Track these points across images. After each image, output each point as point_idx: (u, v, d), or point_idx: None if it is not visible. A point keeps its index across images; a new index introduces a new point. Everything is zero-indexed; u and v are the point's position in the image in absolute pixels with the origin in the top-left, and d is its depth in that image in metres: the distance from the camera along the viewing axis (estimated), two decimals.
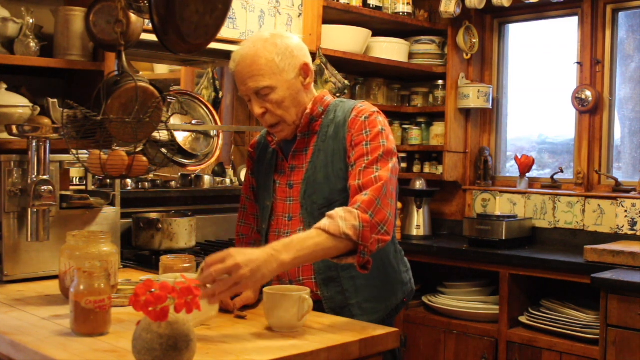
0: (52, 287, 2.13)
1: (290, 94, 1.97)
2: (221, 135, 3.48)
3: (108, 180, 2.75)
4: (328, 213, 1.80)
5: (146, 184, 3.17)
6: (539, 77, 4.19)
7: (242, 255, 1.62)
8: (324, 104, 2.05)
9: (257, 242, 2.20)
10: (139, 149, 2.26)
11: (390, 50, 3.97)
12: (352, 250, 1.78)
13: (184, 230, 2.88)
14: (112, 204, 2.50)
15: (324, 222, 1.76)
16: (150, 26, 2.17)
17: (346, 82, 3.54)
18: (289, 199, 2.04)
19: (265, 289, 1.76)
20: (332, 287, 1.97)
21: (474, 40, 4.13)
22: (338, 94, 3.39)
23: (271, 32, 2.03)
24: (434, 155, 4.28)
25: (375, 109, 2.01)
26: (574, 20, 3.95)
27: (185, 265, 2.01)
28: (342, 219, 1.76)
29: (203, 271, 1.62)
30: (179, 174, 3.35)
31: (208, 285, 1.60)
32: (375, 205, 1.82)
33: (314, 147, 2.02)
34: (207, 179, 3.35)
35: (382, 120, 1.98)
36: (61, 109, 2.19)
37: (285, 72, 1.95)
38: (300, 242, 1.72)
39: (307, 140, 2.04)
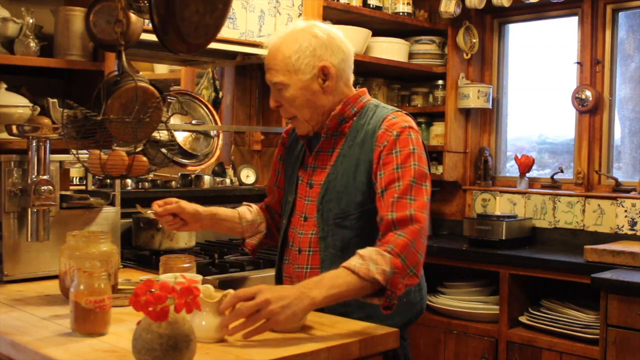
0: (52, 287, 2.13)
1: (302, 94, 1.91)
2: (221, 135, 3.49)
3: (108, 180, 2.75)
4: (360, 252, 1.75)
5: (146, 184, 3.17)
6: (539, 77, 4.19)
7: (273, 292, 1.62)
8: (358, 105, 1.98)
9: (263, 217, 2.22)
10: (139, 149, 2.26)
11: (390, 50, 3.97)
12: (379, 291, 1.75)
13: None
14: (112, 204, 2.50)
15: (355, 263, 1.72)
16: (150, 26, 2.17)
17: None
18: (307, 198, 2.00)
19: None
20: None
21: (474, 40, 4.13)
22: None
23: (307, 23, 1.96)
24: (434, 155, 4.28)
25: (408, 122, 1.91)
26: (574, 20, 3.95)
27: (185, 265, 2.01)
28: (374, 262, 1.72)
29: (230, 306, 1.61)
30: (179, 174, 3.35)
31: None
32: (409, 249, 1.76)
33: (339, 151, 1.96)
34: (207, 179, 3.35)
35: (414, 137, 1.88)
36: (61, 109, 2.19)
37: (300, 72, 1.90)
38: (331, 280, 1.70)
39: (334, 142, 1.98)
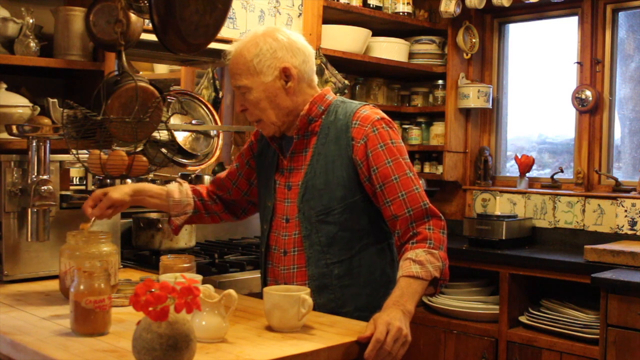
0: (52, 287, 2.13)
1: (266, 96, 1.95)
2: (221, 135, 3.48)
3: (108, 180, 2.75)
4: (414, 258, 1.85)
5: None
6: (539, 77, 4.19)
7: (395, 320, 1.71)
8: (325, 103, 2.01)
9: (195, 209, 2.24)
10: (139, 149, 2.26)
11: (390, 50, 3.97)
12: (433, 281, 1.89)
13: (184, 230, 2.87)
14: None
15: (415, 270, 1.83)
16: (150, 26, 2.17)
17: (346, 82, 3.54)
18: (286, 200, 2.02)
19: (265, 289, 1.76)
20: (324, 295, 1.96)
21: (474, 40, 4.13)
22: (338, 94, 3.39)
23: (267, 28, 2.00)
24: (434, 155, 4.28)
25: (379, 114, 1.97)
26: (574, 20, 3.95)
27: (185, 265, 2.01)
28: (430, 263, 1.85)
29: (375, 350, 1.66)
30: (179, 174, 3.35)
31: None
32: (441, 238, 1.91)
33: (313, 150, 1.99)
34: (207, 179, 3.35)
35: (389, 130, 1.95)
36: (61, 109, 2.19)
37: (262, 74, 1.93)
38: (408, 290, 1.82)
39: (307, 142, 2.01)
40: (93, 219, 2.05)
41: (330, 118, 2.00)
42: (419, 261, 1.84)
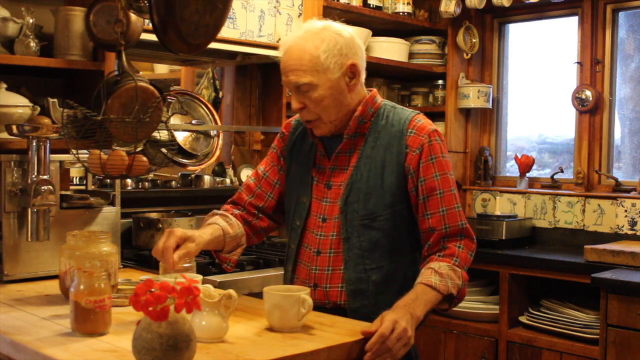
0: (52, 287, 2.13)
1: (331, 94, 1.89)
2: (221, 135, 3.49)
3: (108, 180, 2.76)
4: (436, 269, 1.85)
5: (146, 184, 3.17)
6: (539, 77, 4.19)
7: (402, 320, 1.71)
8: (375, 106, 1.99)
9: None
10: (139, 149, 2.26)
11: (390, 50, 3.97)
12: (447, 297, 1.89)
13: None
14: (112, 204, 2.50)
15: (434, 280, 1.84)
16: (150, 26, 2.17)
17: None
18: (325, 199, 1.97)
19: (265, 289, 1.76)
20: (359, 300, 1.92)
21: (474, 40, 4.13)
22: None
23: (325, 23, 1.94)
24: None
25: (433, 125, 1.96)
26: (574, 20, 3.95)
27: (185, 265, 2.01)
28: (450, 278, 1.86)
29: (379, 344, 1.67)
30: (179, 174, 3.35)
31: None
32: (468, 260, 1.92)
33: (360, 152, 1.95)
34: (207, 178, 3.35)
35: (441, 143, 1.94)
36: (61, 109, 2.19)
37: (329, 71, 1.88)
38: (422, 297, 1.83)
39: (353, 143, 1.96)
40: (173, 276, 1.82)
41: (381, 122, 1.97)
42: (440, 273, 1.84)
